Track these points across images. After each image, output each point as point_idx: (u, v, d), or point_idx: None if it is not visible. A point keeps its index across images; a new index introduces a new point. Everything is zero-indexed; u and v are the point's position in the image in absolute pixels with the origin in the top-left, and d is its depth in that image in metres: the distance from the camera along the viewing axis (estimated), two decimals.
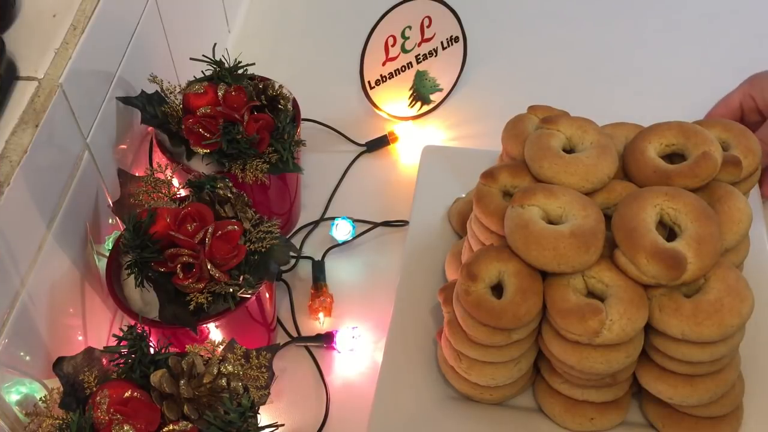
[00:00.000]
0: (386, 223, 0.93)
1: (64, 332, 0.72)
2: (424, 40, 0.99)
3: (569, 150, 0.76)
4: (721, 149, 0.73)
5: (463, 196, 0.89)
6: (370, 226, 0.93)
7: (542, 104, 0.81)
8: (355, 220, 0.92)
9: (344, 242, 0.91)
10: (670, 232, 0.70)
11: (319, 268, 0.88)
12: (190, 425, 0.63)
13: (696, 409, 0.71)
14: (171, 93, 0.83)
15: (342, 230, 0.90)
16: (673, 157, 0.76)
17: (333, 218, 0.92)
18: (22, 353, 0.65)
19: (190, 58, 0.84)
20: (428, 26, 0.98)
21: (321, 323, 0.86)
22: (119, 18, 0.80)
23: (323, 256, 0.90)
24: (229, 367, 0.66)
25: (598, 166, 0.72)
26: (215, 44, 0.85)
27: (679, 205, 0.69)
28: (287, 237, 0.91)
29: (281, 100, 0.84)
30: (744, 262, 0.75)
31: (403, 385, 0.77)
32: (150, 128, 0.86)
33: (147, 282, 0.71)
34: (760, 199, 0.85)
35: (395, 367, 0.78)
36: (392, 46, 0.97)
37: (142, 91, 0.82)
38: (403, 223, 0.93)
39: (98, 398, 0.62)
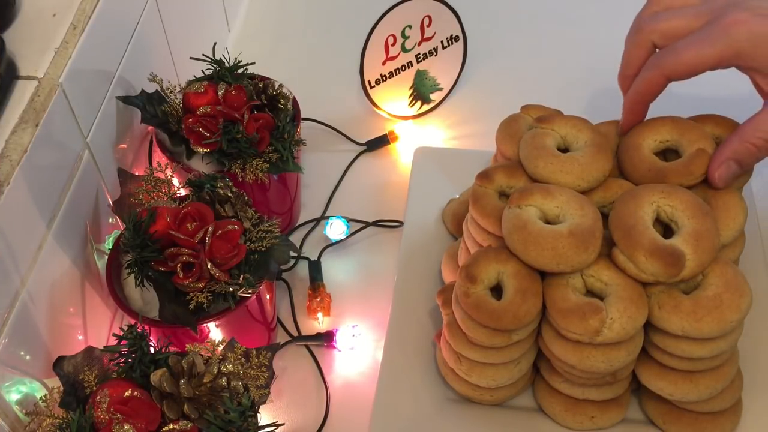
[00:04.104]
0: (377, 223, 0.93)
1: (64, 331, 0.72)
2: (424, 40, 0.99)
3: (564, 149, 0.76)
4: (715, 145, 0.73)
5: (457, 197, 0.89)
6: (365, 225, 0.93)
7: (535, 103, 0.81)
8: (350, 220, 0.92)
9: (338, 241, 0.91)
10: (666, 229, 0.70)
11: (315, 268, 0.88)
12: (190, 424, 0.63)
13: (696, 405, 0.71)
14: (171, 92, 0.83)
15: (336, 229, 0.90)
16: (668, 153, 0.76)
17: (329, 218, 0.92)
18: (22, 352, 0.66)
19: (190, 58, 0.84)
20: (428, 25, 0.98)
21: (320, 323, 0.86)
22: (119, 17, 0.80)
23: (319, 256, 0.90)
24: (230, 367, 0.66)
25: (593, 165, 0.72)
26: (215, 43, 0.85)
27: (676, 202, 0.69)
28: (287, 236, 0.91)
29: (281, 100, 0.84)
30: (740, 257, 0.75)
31: (403, 389, 0.77)
32: (150, 127, 0.86)
33: (147, 281, 0.71)
34: (752, 195, 0.85)
35: (394, 370, 0.78)
36: (392, 45, 0.97)
37: (142, 91, 0.82)
38: (396, 223, 0.93)
39: (98, 397, 0.62)
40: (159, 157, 0.85)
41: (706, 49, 0.66)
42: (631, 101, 0.74)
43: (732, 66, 0.68)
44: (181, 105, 0.82)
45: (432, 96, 1.04)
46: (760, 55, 0.66)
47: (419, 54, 1.00)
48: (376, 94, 0.99)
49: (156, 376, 0.64)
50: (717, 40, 0.66)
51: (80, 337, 0.75)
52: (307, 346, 0.84)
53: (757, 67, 0.67)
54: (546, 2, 1.19)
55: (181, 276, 0.70)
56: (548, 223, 0.70)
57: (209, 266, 0.70)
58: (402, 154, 1.01)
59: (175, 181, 0.80)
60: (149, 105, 0.82)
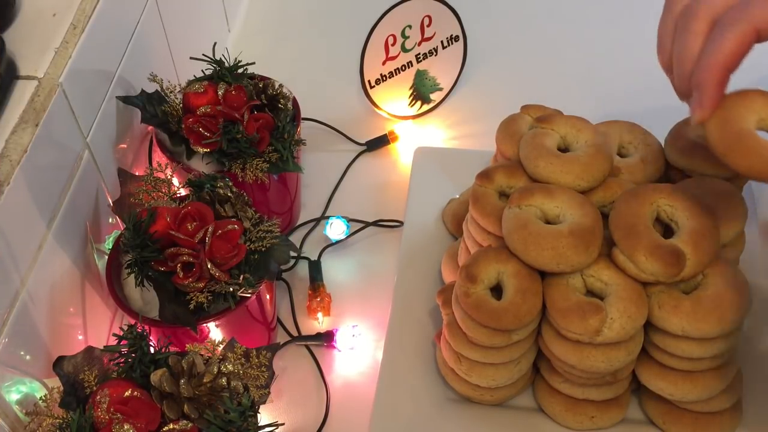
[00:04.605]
0: (377, 223, 0.93)
1: (64, 331, 0.72)
2: (424, 39, 0.99)
3: (564, 149, 0.76)
4: None
5: (457, 197, 0.89)
6: (365, 225, 0.93)
7: (535, 103, 0.81)
8: (350, 220, 0.92)
9: (338, 241, 0.91)
10: (666, 229, 0.70)
11: (315, 268, 0.88)
12: (190, 424, 0.63)
13: (696, 405, 0.71)
14: (171, 92, 0.83)
15: (336, 229, 0.90)
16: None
17: (329, 217, 0.92)
18: (22, 352, 0.66)
19: (190, 58, 0.84)
20: (428, 25, 0.98)
21: (320, 323, 0.86)
22: (119, 17, 0.80)
23: (319, 256, 0.90)
24: (230, 367, 0.66)
25: (593, 165, 0.72)
26: (215, 43, 0.85)
27: (676, 201, 0.69)
28: (287, 236, 0.91)
29: (281, 99, 0.84)
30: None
31: (403, 389, 0.77)
32: (150, 127, 0.86)
33: (147, 281, 0.71)
34: (752, 195, 0.85)
35: (395, 370, 0.78)
36: (392, 45, 0.97)
37: (142, 90, 0.82)
38: (396, 223, 0.93)
39: (98, 397, 0.62)
40: (159, 157, 0.85)
41: None
42: (718, 72, 0.53)
43: None
44: (181, 105, 0.82)
45: (432, 96, 1.04)
46: None
47: (419, 54, 1.00)
48: (376, 94, 0.99)
49: (156, 376, 0.64)
50: None
51: (80, 337, 0.75)
52: (307, 346, 0.84)
53: None
54: (546, 2, 1.19)
55: (181, 276, 0.70)
56: (548, 222, 0.70)
57: (209, 266, 0.70)
58: (402, 154, 1.01)
59: (175, 181, 0.80)
60: (149, 105, 0.82)
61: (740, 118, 0.55)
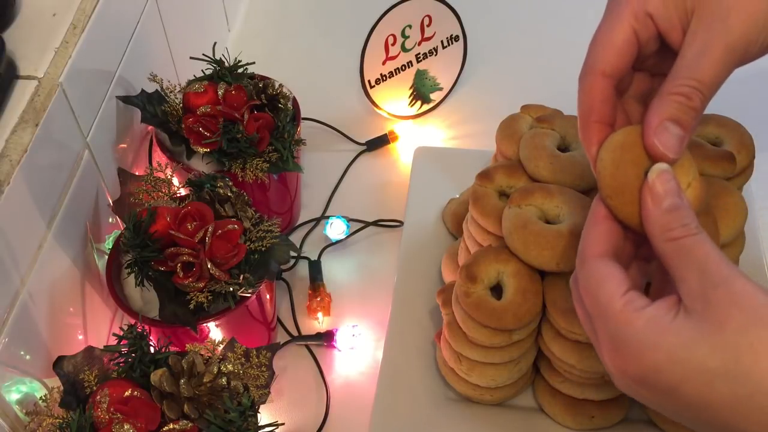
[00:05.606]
0: (377, 223, 0.93)
1: (64, 331, 0.72)
2: (424, 39, 0.99)
3: (564, 149, 0.76)
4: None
5: (457, 196, 0.89)
6: (365, 224, 0.93)
7: (535, 103, 0.81)
8: (350, 219, 0.92)
9: (338, 241, 0.91)
10: None
11: (315, 268, 0.88)
12: (190, 424, 0.63)
13: None
14: (171, 92, 0.83)
15: (336, 229, 0.90)
16: None
17: (329, 217, 0.92)
18: (22, 352, 0.66)
19: (190, 57, 0.84)
20: (428, 25, 0.98)
21: (320, 323, 0.86)
22: (119, 17, 0.80)
23: (319, 256, 0.90)
24: (230, 366, 0.66)
25: None
26: (215, 43, 0.85)
27: None
28: (287, 236, 0.91)
29: (281, 99, 0.84)
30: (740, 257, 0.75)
31: (403, 389, 0.77)
32: (150, 127, 0.86)
33: (147, 281, 0.71)
34: (752, 195, 0.85)
35: (395, 370, 0.78)
36: (392, 45, 0.97)
37: (142, 90, 0.82)
38: (396, 223, 0.93)
39: (98, 397, 0.62)
40: (159, 156, 0.85)
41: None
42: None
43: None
44: (181, 105, 0.82)
45: (432, 96, 1.04)
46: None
47: (419, 54, 1.00)
48: (376, 93, 0.99)
49: (156, 376, 0.64)
50: None
51: (80, 337, 0.75)
52: (307, 346, 0.84)
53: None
54: (546, 2, 1.19)
55: (181, 276, 0.70)
56: (548, 222, 0.70)
57: (209, 266, 0.70)
58: (402, 154, 1.01)
59: (175, 181, 0.80)
60: (149, 105, 0.82)
61: (633, 166, 0.53)
